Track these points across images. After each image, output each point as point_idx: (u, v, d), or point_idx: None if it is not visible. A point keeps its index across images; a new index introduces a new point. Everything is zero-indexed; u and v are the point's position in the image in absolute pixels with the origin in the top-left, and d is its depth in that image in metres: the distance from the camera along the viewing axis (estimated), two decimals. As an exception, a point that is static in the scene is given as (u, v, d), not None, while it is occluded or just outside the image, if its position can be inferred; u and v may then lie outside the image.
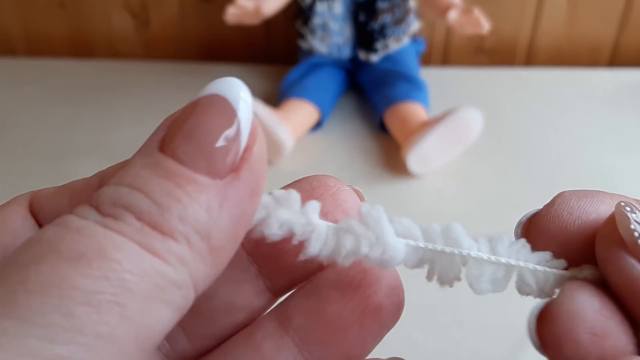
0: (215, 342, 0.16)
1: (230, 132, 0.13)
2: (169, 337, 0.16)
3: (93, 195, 0.13)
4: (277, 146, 0.68)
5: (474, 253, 0.14)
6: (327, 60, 0.78)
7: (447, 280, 0.14)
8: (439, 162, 0.68)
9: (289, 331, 0.15)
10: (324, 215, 0.15)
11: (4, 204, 0.17)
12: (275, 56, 0.90)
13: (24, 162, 0.70)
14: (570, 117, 0.77)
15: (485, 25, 0.70)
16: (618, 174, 0.68)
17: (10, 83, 0.84)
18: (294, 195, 0.15)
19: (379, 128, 0.74)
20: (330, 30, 0.76)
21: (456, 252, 0.14)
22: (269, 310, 0.16)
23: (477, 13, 0.70)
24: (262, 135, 0.14)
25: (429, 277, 0.14)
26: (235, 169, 0.13)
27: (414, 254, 0.14)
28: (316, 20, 0.75)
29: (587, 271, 0.14)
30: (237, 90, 0.13)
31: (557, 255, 0.14)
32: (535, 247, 0.14)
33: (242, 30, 0.86)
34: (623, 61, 0.89)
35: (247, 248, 0.16)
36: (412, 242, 0.14)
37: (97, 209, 0.13)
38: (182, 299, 0.12)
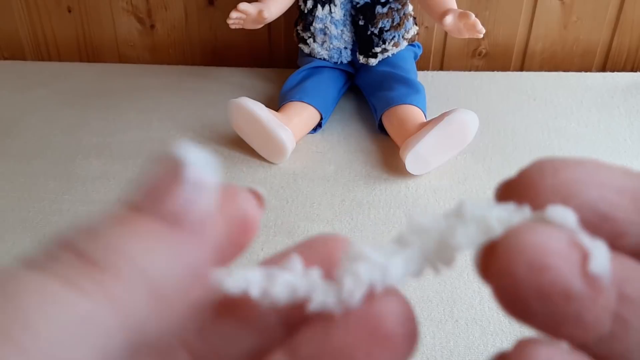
0: None
1: (187, 189, 0.13)
2: None
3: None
4: (279, 148, 0.69)
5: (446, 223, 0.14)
6: (327, 63, 0.79)
7: (446, 257, 0.14)
8: (436, 163, 0.68)
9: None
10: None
11: None
12: (277, 60, 0.91)
13: (33, 163, 0.71)
14: (564, 120, 0.78)
15: (481, 30, 0.70)
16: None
17: (19, 86, 0.85)
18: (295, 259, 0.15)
19: (378, 130, 0.75)
20: (331, 35, 0.77)
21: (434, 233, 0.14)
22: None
23: (473, 18, 0.70)
24: (216, 202, 0.14)
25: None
26: (187, 223, 0.13)
27: (409, 262, 0.14)
28: (317, 25, 0.76)
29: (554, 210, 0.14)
30: (202, 159, 0.14)
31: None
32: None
33: (245, 35, 0.86)
34: (615, 65, 0.90)
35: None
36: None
37: (42, 253, 0.13)
38: (104, 337, 0.12)
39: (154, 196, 0.13)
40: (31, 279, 0.12)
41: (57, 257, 0.12)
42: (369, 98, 0.78)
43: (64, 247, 0.13)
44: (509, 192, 0.15)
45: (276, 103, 0.77)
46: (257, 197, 0.15)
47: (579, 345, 0.14)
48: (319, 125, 0.76)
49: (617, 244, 0.14)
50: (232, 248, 0.15)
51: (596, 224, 0.14)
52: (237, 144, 0.73)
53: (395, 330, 0.14)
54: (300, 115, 0.73)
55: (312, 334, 0.14)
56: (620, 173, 0.14)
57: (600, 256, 0.13)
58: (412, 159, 0.67)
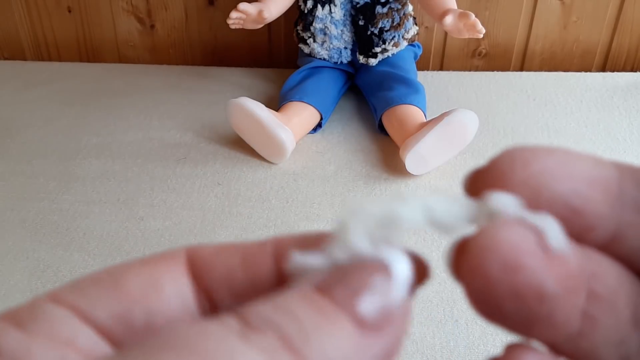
0: None
1: (386, 292, 0.13)
2: None
3: (241, 308, 0.13)
4: (279, 148, 0.69)
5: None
6: (327, 63, 0.79)
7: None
8: (435, 163, 0.68)
9: None
10: None
11: (158, 257, 0.15)
12: (277, 60, 0.91)
13: (33, 163, 0.71)
14: (564, 120, 0.78)
15: (481, 30, 0.70)
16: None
17: (19, 86, 0.85)
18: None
19: (378, 130, 0.75)
20: (331, 35, 0.77)
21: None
22: None
23: (473, 18, 0.70)
24: (409, 308, 0.14)
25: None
26: (379, 326, 0.13)
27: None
28: (317, 25, 0.76)
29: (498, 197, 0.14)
30: (401, 262, 0.14)
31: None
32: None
33: (245, 35, 0.86)
34: (615, 65, 0.90)
35: None
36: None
37: (243, 320, 0.13)
38: None
39: (351, 288, 0.13)
40: (244, 351, 0.12)
41: (261, 332, 0.13)
42: (369, 98, 0.78)
43: (265, 323, 0.13)
44: (478, 182, 0.15)
45: (276, 103, 0.77)
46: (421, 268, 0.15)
47: (548, 344, 0.14)
48: (319, 125, 0.76)
49: (587, 237, 0.14)
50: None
51: (567, 217, 0.13)
52: (237, 144, 0.73)
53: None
54: (300, 115, 0.73)
55: None
56: (592, 162, 0.14)
57: (555, 233, 0.13)
58: (412, 159, 0.67)
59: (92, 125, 0.77)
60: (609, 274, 0.14)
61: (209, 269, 0.15)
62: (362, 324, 0.13)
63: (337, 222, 0.14)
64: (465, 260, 0.13)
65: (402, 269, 0.13)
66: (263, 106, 0.70)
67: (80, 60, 0.92)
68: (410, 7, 0.78)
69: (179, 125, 0.77)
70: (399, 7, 0.76)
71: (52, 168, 0.71)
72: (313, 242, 0.15)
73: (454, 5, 0.74)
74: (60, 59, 0.92)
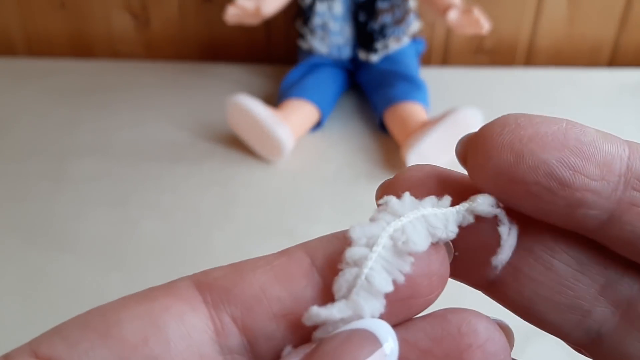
0: None
1: None
2: None
3: None
4: (277, 146, 0.68)
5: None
6: (327, 60, 0.78)
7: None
8: (438, 162, 0.67)
9: None
10: None
11: (158, 291, 0.13)
12: (275, 56, 0.90)
13: (24, 162, 0.70)
14: (570, 117, 0.75)
15: (485, 25, 0.70)
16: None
17: (10, 83, 0.83)
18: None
19: (379, 128, 0.74)
20: (330, 31, 0.76)
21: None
22: None
23: (477, 13, 0.70)
24: None
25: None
26: None
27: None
28: (316, 21, 0.75)
29: (480, 199, 0.14)
30: (385, 331, 0.13)
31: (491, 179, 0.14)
32: (472, 170, 0.14)
33: (243, 31, 0.85)
34: (623, 61, 0.89)
35: None
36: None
37: None
38: None
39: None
40: None
41: None
42: (370, 95, 0.77)
43: None
44: (467, 146, 0.14)
45: (274, 100, 0.76)
46: (507, 333, 0.14)
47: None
48: (319, 123, 0.75)
49: (576, 214, 0.13)
50: None
51: (552, 188, 0.12)
52: (235, 143, 0.72)
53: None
54: (300, 113, 0.72)
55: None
56: (595, 135, 0.13)
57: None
58: (414, 158, 0.66)
59: (84, 123, 0.76)
60: None
61: (233, 295, 0.13)
62: None
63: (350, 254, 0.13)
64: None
65: (391, 347, 0.12)
66: (261, 104, 0.69)
67: (74, 56, 0.91)
68: (412, 2, 0.77)
69: (174, 123, 0.76)
70: (401, 2, 0.75)
71: (44, 167, 0.69)
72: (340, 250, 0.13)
73: (456, 0, 0.73)
74: (52, 55, 0.91)
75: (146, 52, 0.91)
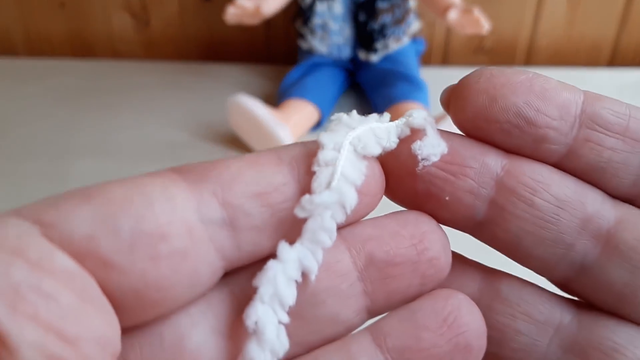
0: (306, 349, 0.15)
1: None
2: None
3: None
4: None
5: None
6: (327, 60, 0.78)
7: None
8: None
9: (384, 350, 0.15)
10: None
11: (146, 174, 0.15)
12: (275, 56, 0.90)
13: (24, 162, 0.70)
14: None
15: (485, 25, 0.70)
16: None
17: (9, 83, 0.83)
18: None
19: (379, 128, 0.74)
20: (330, 30, 0.76)
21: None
22: (362, 327, 0.16)
23: (477, 13, 0.70)
24: None
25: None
26: None
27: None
28: (316, 20, 0.75)
29: (415, 113, 0.17)
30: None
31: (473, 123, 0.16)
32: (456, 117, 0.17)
33: (242, 30, 0.85)
34: (623, 61, 0.89)
35: (358, 266, 0.16)
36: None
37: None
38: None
39: None
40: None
41: None
42: (370, 95, 0.77)
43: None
44: (449, 94, 0.17)
45: (274, 100, 0.76)
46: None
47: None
48: (319, 123, 0.75)
49: (542, 148, 0.15)
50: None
51: (520, 126, 0.15)
52: (235, 142, 0.72)
53: (475, 343, 0.15)
54: (300, 113, 0.72)
55: (401, 329, 0.15)
56: (558, 85, 0.16)
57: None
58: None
59: (85, 123, 0.76)
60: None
61: (211, 176, 0.15)
62: None
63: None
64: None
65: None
66: (261, 104, 0.69)
67: (73, 56, 0.91)
68: (412, 2, 0.77)
69: (174, 123, 0.76)
70: (401, 2, 0.75)
71: (44, 167, 0.69)
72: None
73: (456, 0, 0.73)
74: (52, 54, 0.91)
75: (146, 52, 0.91)
